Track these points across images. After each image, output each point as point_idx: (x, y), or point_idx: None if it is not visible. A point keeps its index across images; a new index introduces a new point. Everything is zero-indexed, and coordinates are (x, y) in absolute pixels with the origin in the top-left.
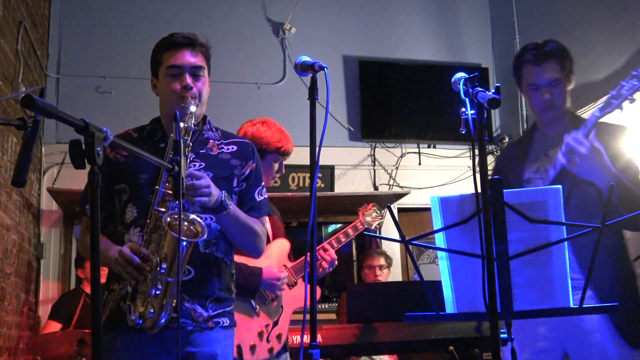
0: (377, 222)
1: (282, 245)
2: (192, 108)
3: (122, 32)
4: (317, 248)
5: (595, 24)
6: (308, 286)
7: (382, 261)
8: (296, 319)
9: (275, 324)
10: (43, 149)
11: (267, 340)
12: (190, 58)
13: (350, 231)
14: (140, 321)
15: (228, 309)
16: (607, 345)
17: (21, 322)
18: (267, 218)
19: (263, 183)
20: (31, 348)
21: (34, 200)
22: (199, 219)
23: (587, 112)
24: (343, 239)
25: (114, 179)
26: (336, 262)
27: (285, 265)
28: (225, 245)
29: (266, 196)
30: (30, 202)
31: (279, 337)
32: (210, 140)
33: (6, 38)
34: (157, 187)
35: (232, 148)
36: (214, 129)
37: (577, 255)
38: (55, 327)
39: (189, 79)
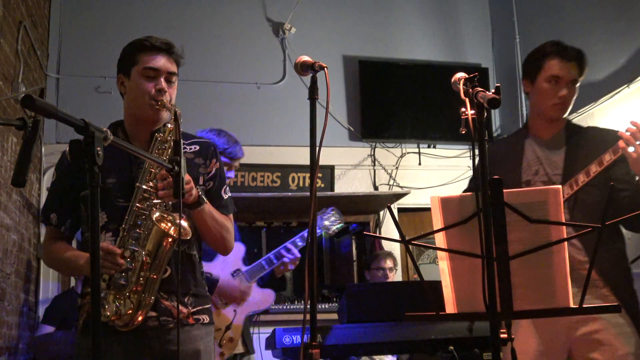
0: (336, 227)
1: (236, 249)
2: (165, 114)
3: (122, 32)
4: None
5: (595, 24)
6: (307, 285)
7: (390, 263)
8: (296, 319)
9: (228, 328)
10: (43, 149)
11: (219, 345)
12: (167, 63)
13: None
14: (115, 317)
15: (207, 306)
16: (616, 343)
17: (21, 322)
18: (232, 216)
19: (227, 181)
20: (31, 348)
21: (34, 200)
22: (183, 222)
23: (586, 112)
24: (300, 243)
25: (79, 185)
26: (297, 262)
27: (239, 269)
28: (196, 243)
29: (230, 194)
30: (30, 202)
31: (231, 340)
32: None
33: (6, 38)
34: (137, 184)
35: (194, 148)
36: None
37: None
38: (50, 331)
39: (163, 83)
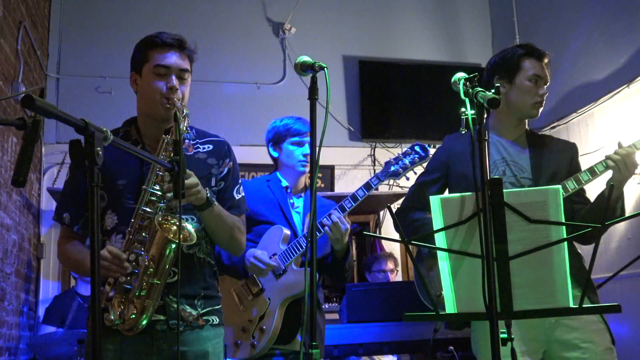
0: (416, 165)
1: (274, 231)
2: (181, 107)
3: (122, 32)
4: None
5: (595, 24)
6: (307, 285)
7: (392, 265)
8: None
9: (261, 317)
10: (43, 149)
11: (252, 336)
12: (178, 60)
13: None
14: (120, 322)
15: (217, 307)
16: (596, 339)
17: (21, 322)
18: (244, 216)
19: (240, 181)
20: (31, 348)
21: (34, 200)
22: (188, 225)
23: (586, 112)
24: (348, 205)
25: None
26: (343, 227)
27: (275, 254)
28: (207, 245)
29: (243, 194)
30: (30, 202)
31: (262, 331)
32: (186, 141)
33: (6, 38)
34: (144, 186)
35: (208, 147)
36: (188, 129)
37: None
38: (51, 330)
39: (175, 81)
